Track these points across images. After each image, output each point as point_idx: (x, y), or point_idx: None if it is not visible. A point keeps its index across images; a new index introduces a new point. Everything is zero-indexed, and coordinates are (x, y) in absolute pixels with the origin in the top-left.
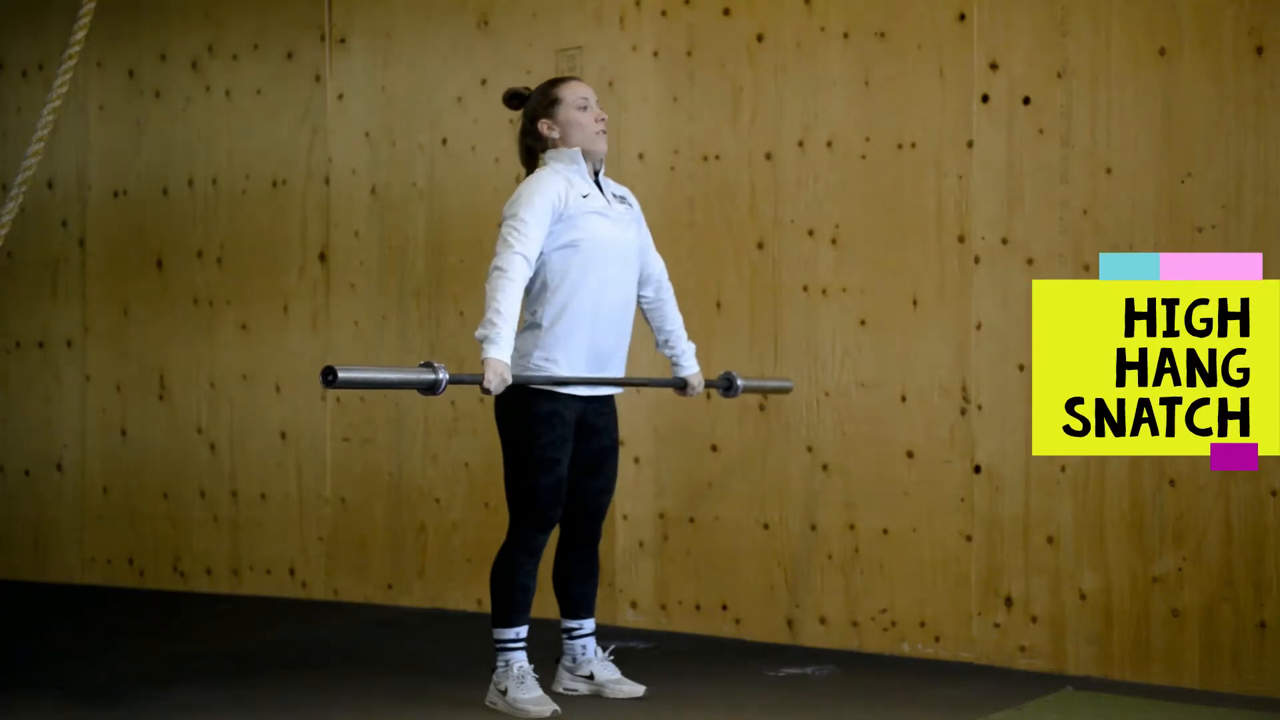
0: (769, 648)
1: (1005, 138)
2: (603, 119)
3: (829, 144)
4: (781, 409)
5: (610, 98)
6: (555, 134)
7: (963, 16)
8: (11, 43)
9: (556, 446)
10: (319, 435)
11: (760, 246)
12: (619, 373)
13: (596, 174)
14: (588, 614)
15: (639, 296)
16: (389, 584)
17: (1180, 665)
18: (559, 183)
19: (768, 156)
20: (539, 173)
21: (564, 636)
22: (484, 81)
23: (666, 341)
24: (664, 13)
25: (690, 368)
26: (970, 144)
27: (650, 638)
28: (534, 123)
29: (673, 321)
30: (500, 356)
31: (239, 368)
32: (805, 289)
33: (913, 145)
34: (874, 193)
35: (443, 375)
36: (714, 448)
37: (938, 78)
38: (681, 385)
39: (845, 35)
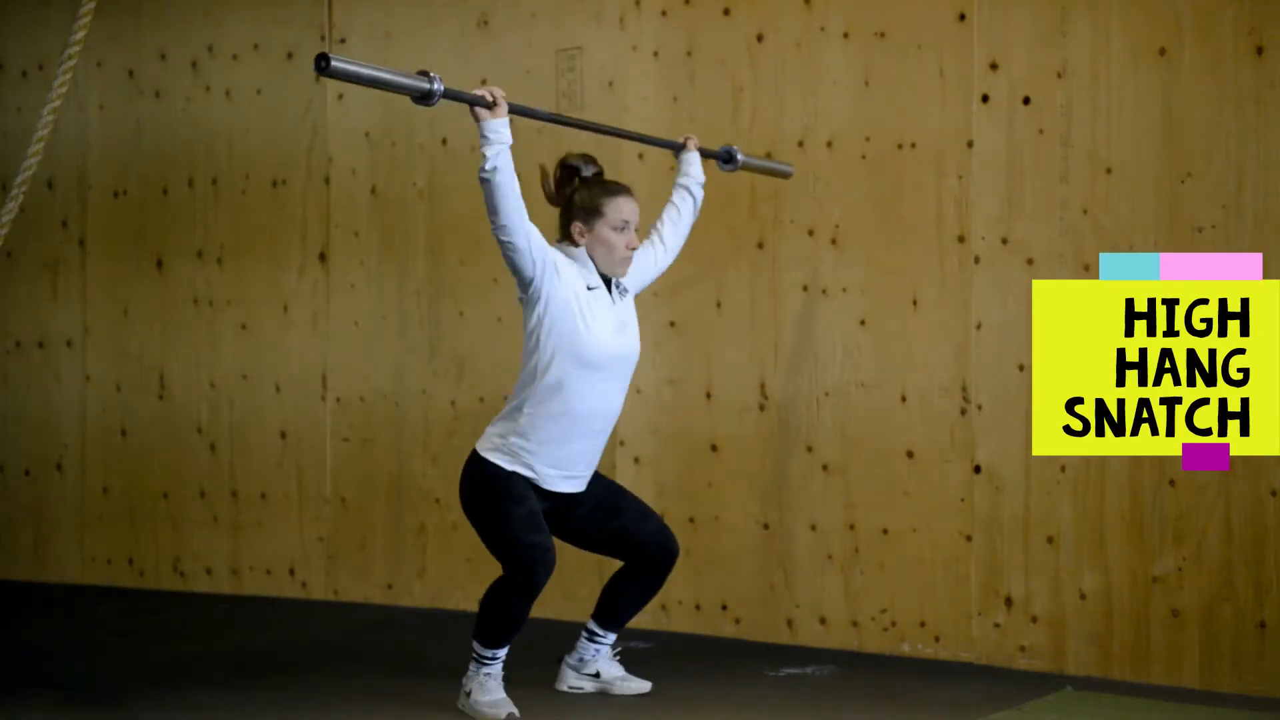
0: (769, 648)
1: (1005, 138)
2: (633, 248)
3: (829, 144)
4: (781, 409)
5: (610, 98)
6: (583, 242)
7: (963, 16)
8: (11, 43)
9: (521, 487)
10: (319, 435)
11: (760, 246)
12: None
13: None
14: (618, 629)
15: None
16: (389, 584)
17: (1180, 665)
18: (568, 263)
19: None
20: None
21: (583, 635)
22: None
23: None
24: (664, 13)
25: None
26: (970, 144)
27: (650, 637)
28: (569, 216)
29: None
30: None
31: (239, 368)
32: (805, 289)
33: (913, 145)
34: (874, 193)
35: (437, 86)
36: (714, 448)
37: (938, 78)
38: (680, 147)
39: (845, 35)
